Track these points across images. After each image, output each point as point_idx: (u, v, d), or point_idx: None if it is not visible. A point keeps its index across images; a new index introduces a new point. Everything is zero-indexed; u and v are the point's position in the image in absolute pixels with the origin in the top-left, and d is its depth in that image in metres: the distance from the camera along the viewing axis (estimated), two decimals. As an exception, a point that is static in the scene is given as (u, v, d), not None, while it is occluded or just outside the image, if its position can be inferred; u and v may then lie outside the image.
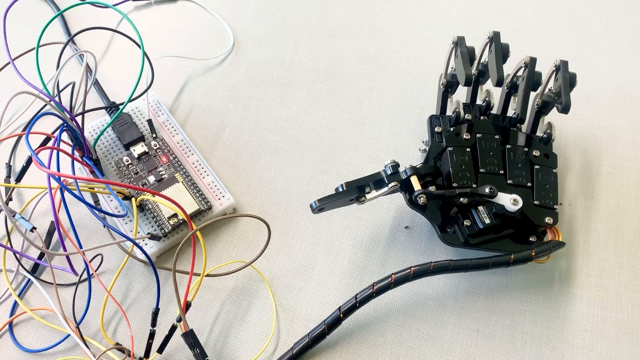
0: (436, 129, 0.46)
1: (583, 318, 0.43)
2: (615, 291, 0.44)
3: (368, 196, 0.41)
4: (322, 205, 0.40)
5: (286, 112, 0.50)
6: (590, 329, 0.42)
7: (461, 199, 0.41)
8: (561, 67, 0.43)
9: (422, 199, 0.40)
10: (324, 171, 0.47)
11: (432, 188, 0.41)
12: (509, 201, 0.40)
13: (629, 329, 0.42)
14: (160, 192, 0.42)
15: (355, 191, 0.40)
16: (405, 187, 0.41)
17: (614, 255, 0.45)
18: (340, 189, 0.40)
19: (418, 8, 0.56)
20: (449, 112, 0.47)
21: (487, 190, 0.40)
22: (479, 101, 0.47)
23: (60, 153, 0.39)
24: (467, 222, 0.41)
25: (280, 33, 0.54)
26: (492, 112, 0.47)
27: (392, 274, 0.40)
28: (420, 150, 0.47)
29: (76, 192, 0.37)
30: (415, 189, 0.40)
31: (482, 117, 0.46)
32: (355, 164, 0.48)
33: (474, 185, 0.42)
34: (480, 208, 0.41)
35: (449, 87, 0.47)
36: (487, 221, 0.41)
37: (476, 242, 0.41)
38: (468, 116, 0.45)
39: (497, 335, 0.42)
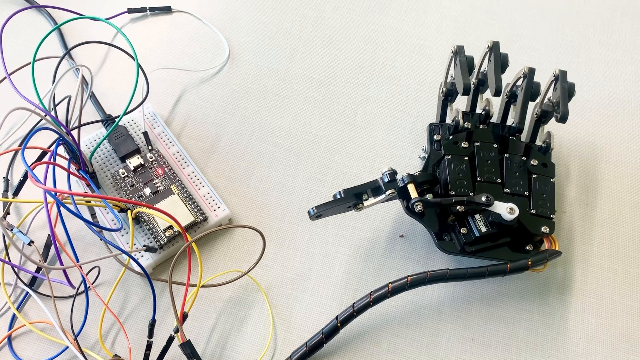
0: (435, 137, 0.46)
1: (578, 325, 0.43)
2: (609, 298, 0.44)
3: (366, 203, 0.41)
4: (320, 212, 0.40)
5: (281, 122, 0.50)
6: (585, 337, 0.42)
7: (458, 207, 0.41)
8: (560, 77, 0.43)
9: (418, 206, 0.40)
10: (319, 181, 0.48)
11: (429, 196, 0.42)
12: (505, 210, 0.40)
13: (624, 335, 0.42)
14: (156, 205, 0.43)
15: (353, 198, 0.41)
16: (403, 194, 0.42)
17: (609, 263, 0.45)
18: (338, 196, 0.40)
19: (411, 17, 0.56)
20: (448, 121, 0.47)
21: (483, 198, 0.41)
22: (478, 110, 0.47)
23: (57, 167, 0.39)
24: (463, 230, 0.42)
25: (275, 43, 0.54)
26: (491, 120, 0.47)
27: (390, 282, 0.41)
28: (419, 157, 0.47)
29: (72, 207, 0.37)
30: (412, 197, 0.40)
31: (481, 126, 0.46)
32: (351, 173, 0.48)
33: (471, 194, 0.42)
34: (477, 216, 0.42)
35: (448, 96, 0.47)
36: (484, 229, 0.41)
37: (473, 250, 0.42)
38: (467, 124, 0.45)
39: (492, 344, 0.42)
